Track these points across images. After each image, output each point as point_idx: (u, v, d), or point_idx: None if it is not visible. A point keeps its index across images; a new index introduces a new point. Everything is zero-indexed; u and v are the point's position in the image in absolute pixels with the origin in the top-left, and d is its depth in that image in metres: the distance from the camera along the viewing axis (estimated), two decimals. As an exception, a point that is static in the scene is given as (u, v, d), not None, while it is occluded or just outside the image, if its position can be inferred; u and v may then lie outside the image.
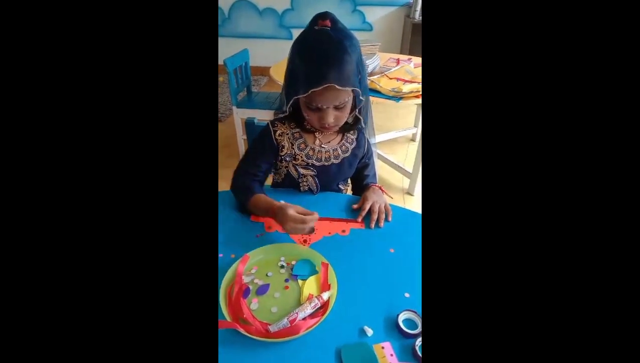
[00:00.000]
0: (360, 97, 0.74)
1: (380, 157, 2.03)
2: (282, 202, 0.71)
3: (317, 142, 0.82)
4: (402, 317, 0.53)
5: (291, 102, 0.75)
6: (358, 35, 0.73)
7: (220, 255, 0.66)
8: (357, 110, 0.78)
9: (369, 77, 1.59)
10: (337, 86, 0.67)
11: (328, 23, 0.69)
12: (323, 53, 0.67)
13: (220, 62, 1.84)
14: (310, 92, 0.69)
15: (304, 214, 0.66)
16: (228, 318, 0.53)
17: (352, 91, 0.70)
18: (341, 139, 0.84)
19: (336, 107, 0.72)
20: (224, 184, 0.82)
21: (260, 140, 0.84)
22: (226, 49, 2.47)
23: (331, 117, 0.72)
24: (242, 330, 0.50)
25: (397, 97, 1.46)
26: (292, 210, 0.66)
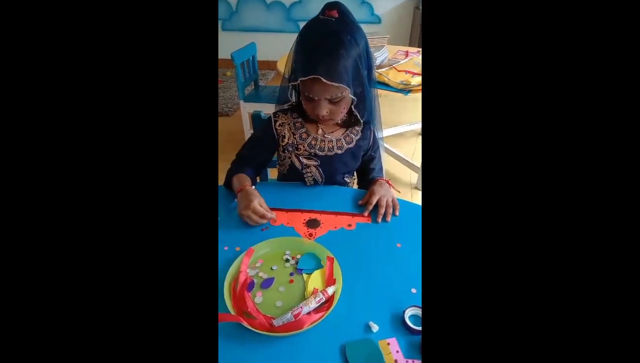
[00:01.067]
0: (352, 96, 0.72)
1: (388, 151, 2.00)
2: (254, 188, 0.74)
3: (320, 132, 0.81)
4: (408, 313, 0.52)
5: (290, 90, 0.75)
6: (366, 28, 0.72)
7: (225, 248, 0.65)
8: (352, 106, 0.76)
9: (377, 70, 1.56)
10: (323, 80, 0.65)
11: (334, 13, 0.68)
12: (317, 44, 0.67)
13: (228, 56, 1.83)
14: (299, 80, 0.69)
15: (266, 211, 0.69)
16: (232, 312, 0.53)
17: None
18: (346, 130, 0.83)
19: (330, 101, 0.71)
20: (230, 177, 0.81)
21: (260, 130, 0.86)
22: (233, 42, 2.45)
23: (324, 109, 0.71)
24: (246, 324, 0.50)
25: (406, 90, 1.43)
26: (257, 201, 0.69)
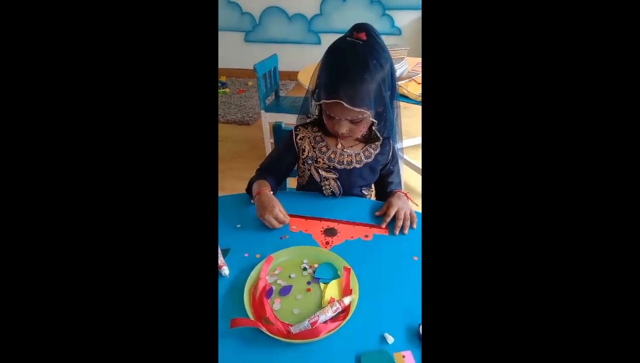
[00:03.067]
0: (372, 119, 0.74)
1: (407, 162, 2.00)
2: (271, 194, 0.76)
3: (340, 146, 0.83)
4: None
5: (313, 106, 0.78)
6: (387, 40, 0.73)
7: (245, 255, 0.68)
8: (373, 125, 0.78)
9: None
10: (345, 104, 0.67)
11: (362, 36, 0.69)
12: (342, 68, 0.68)
13: (251, 67, 1.90)
14: (322, 101, 0.71)
15: (284, 217, 0.73)
16: (251, 317, 0.55)
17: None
18: (365, 145, 0.84)
19: (351, 121, 0.72)
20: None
21: (281, 143, 0.89)
22: (256, 54, 2.53)
23: (344, 128, 0.73)
24: (264, 330, 0.52)
25: (425, 102, 1.44)
26: (278, 208, 0.72)
